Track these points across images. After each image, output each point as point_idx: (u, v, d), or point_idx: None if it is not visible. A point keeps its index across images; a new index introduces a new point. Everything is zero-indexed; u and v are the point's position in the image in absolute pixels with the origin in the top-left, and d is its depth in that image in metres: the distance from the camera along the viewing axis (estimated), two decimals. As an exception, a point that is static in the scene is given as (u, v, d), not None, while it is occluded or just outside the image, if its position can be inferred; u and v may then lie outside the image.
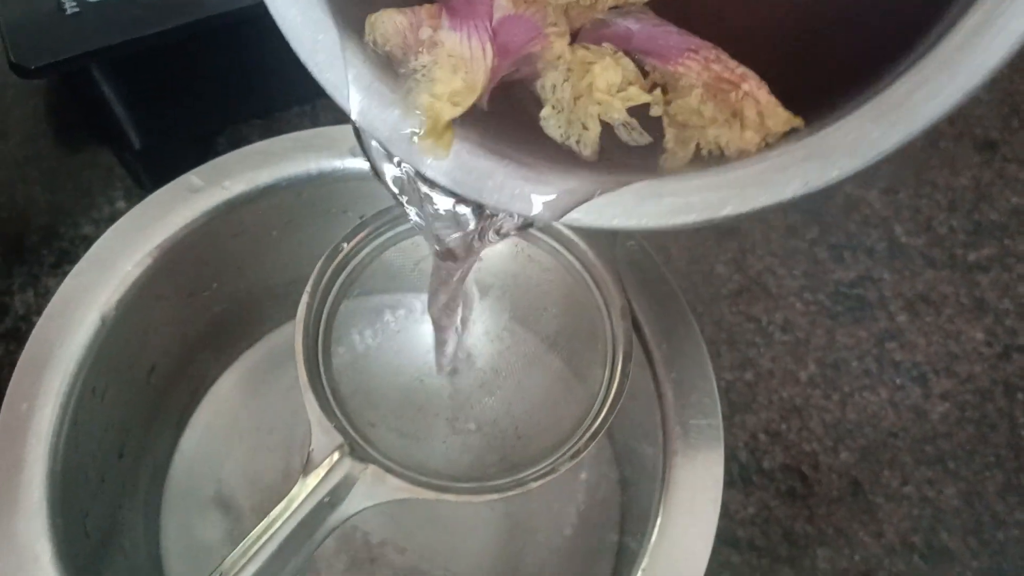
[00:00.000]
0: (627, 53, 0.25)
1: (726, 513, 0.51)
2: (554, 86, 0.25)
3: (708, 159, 0.25)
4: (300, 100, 0.59)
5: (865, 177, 0.54)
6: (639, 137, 0.25)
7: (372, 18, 0.24)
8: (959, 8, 0.23)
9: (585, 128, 0.25)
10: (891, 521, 0.51)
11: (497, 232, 0.32)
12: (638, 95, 0.25)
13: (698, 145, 0.25)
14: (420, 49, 0.25)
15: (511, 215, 0.31)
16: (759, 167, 0.24)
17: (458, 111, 0.24)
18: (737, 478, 0.51)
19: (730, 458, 0.52)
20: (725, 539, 0.50)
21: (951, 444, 0.53)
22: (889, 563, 0.50)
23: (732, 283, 0.57)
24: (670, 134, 0.25)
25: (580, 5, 0.25)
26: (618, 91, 0.25)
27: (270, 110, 0.59)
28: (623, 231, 0.36)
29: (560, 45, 0.25)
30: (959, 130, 0.64)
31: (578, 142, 0.25)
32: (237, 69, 0.54)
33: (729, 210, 0.25)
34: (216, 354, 0.49)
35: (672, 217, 0.24)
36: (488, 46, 0.24)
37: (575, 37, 0.25)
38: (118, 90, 0.49)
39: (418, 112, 0.24)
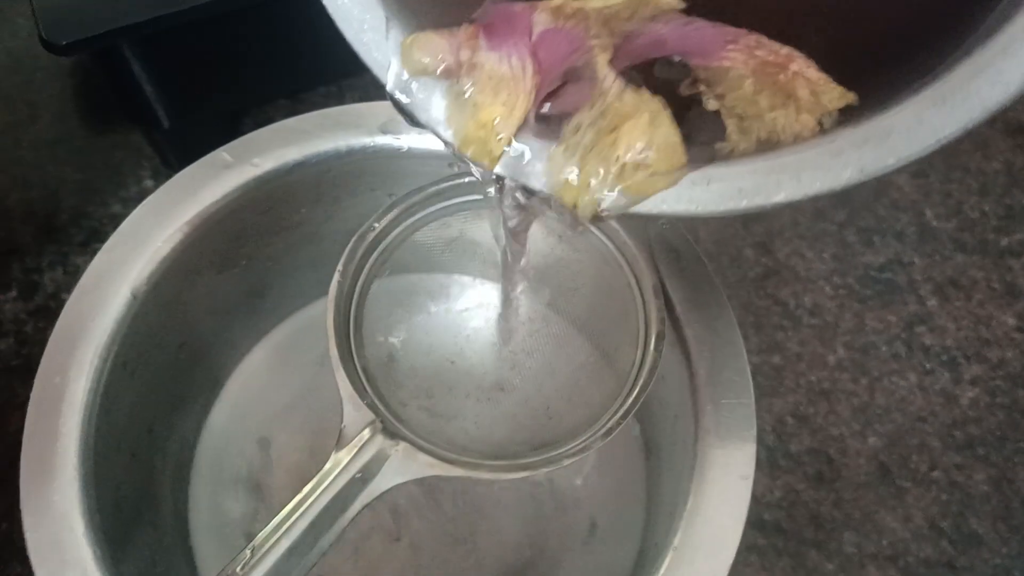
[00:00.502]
0: (669, 59, 0.25)
1: (753, 495, 0.50)
2: (578, 127, 0.24)
3: (765, 146, 0.25)
4: (326, 80, 0.59)
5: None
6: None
7: (408, 41, 0.24)
8: None
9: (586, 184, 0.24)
10: (919, 506, 0.50)
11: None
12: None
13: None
14: (461, 72, 0.24)
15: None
16: (813, 152, 0.23)
17: (502, 145, 0.24)
18: (764, 461, 0.51)
19: (757, 441, 0.51)
20: (751, 522, 0.49)
21: (981, 430, 0.52)
22: (917, 548, 0.49)
23: (759, 266, 0.56)
24: (731, 126, 0.25)
25: (620, 17, 0.25)
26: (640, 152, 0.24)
27: (296, 91, 0.59)
28: (670, 217, 0.36)
29: (603, 61, 0.24)
30: (991, 114, 0.63)
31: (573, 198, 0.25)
32: (265, 48, 0.54)
33: (782, 196, 0.24)
34: (245, 330, 0.50)
35: (723, 203, 0.24)
36: (528, 63, 0.24)
37: (618, 50, 0.25)
38: (148, 68, 0.49)
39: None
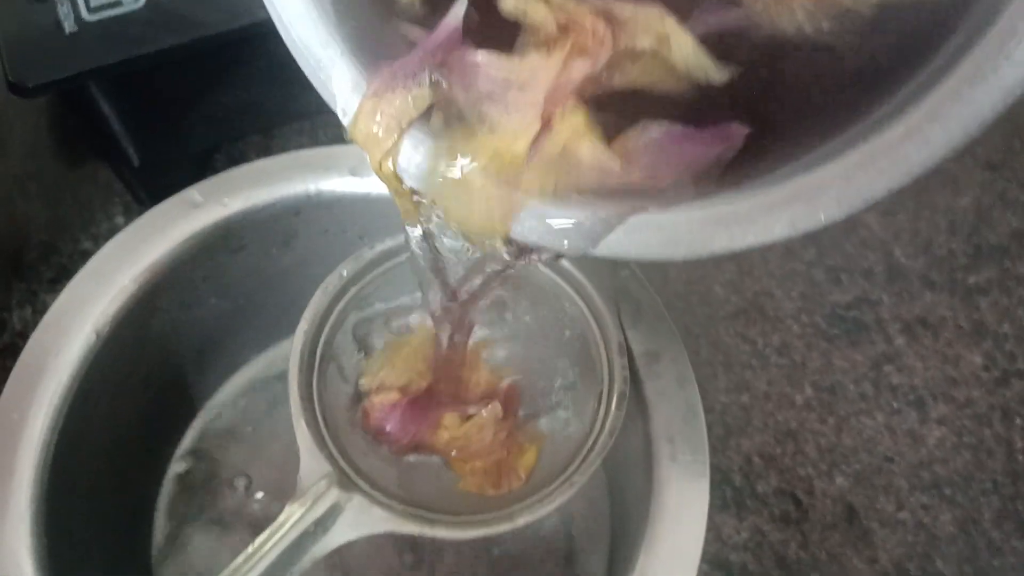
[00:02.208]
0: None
1: (719, 537, 0.50)
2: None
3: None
4: (298, 116, 0.60)
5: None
6: None
7: (352, 117, 0.25)
8: (948, 55, 0.22)
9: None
10: (886, 547, 0.50)
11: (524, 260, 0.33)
12: None
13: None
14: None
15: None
16: (747, 204, 0.24)
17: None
18: (731, 502, 0.51)
19: (724, 481, 0.52)
20: (718, 563, 0.50)
21: (947, 470, 0.53)
22: (883, 590, 0.49)
23: (730, 304, 0.56)
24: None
25: None
26: None
27: (268, 127, 0.59)
28: (619, 260, 0.36)
29: None
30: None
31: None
32: (235, 86, 0.54)
33: (717, 247, 0.25)
34: (212, 369, 0.49)
35: (664, 250, 0.25)
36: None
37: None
38: (116, 107, 0.49)
39: None
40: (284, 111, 0.59)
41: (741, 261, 0.58)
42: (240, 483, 0.48)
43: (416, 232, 0.31)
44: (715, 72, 0.24)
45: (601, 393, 0.39)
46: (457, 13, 0.24)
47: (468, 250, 0.31)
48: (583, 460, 0.38)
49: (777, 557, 0.50)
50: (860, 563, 0.50)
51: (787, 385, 0.54)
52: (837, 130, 0.24)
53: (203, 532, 0.47)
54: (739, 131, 0.24)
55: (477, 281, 0.35)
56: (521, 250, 0.30)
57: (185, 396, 0.49)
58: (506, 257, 0.31)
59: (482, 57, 0.23)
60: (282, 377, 0.39)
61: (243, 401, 0.50)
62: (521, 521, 0.36)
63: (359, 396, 0.42)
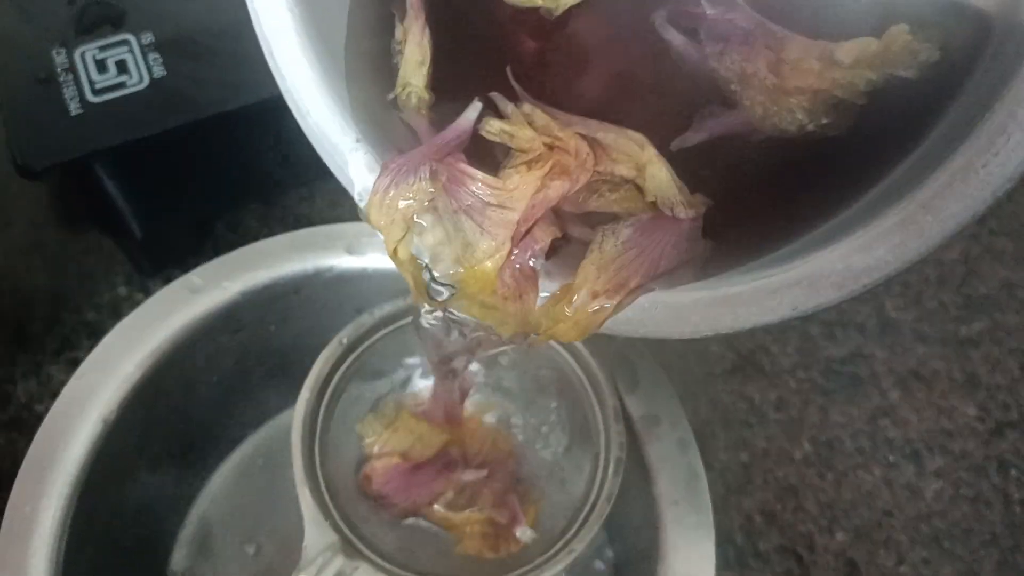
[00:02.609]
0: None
1: (724, 597, 0.51)
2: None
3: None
4: (297, 183, 0.61)
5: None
6: None
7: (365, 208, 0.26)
8: (939, 140, 0.23)
9: None
10: (888, 602, 0.51)
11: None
12: None
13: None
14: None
15: None
16: (751, 287, 0.25)
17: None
18: (733, 562, 0.51)
19: (726, 541, 0.52)
20: (723, 623, 0.50)
21: (946, 522, 0.53)
22: (886, 645, 0.50)
23: (726, 361, 0.57)
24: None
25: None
26: None
27: (267, 194, 0.60)
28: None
29: None
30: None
31: None
32: (235, 159, 0.55)
33: (723, 327, 0.26)
34: (217, 443, 0.50)
35: (672, 329, 0.26)
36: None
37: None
38: (120, 185, 0.50)
39: None
40: (283, 179, 0.60)
41: (736, 318, 0.59)
42: (247, 552, 0.48)
43: (427, 311, 0.32)
44: (683, 210, 0.25)
45: (598, 457, 0.40)
46: (470, 116, 0.25)
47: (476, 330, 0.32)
48: (581, 525, 0.38)
49: (781, 615, 0.50)
50: (863, 619, 0.50)
51: (785, 441, 0.55)
52: (833, 212, 0.25)
53: None
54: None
55: (477, 354, 0.36)
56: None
57: (192, 471, 0.49)
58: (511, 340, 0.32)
59: (470, 171, 0.24)
60: (284, 448, 0.40)
61: (247, 474, 0.50)
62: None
63: (362, 460, 0.43)
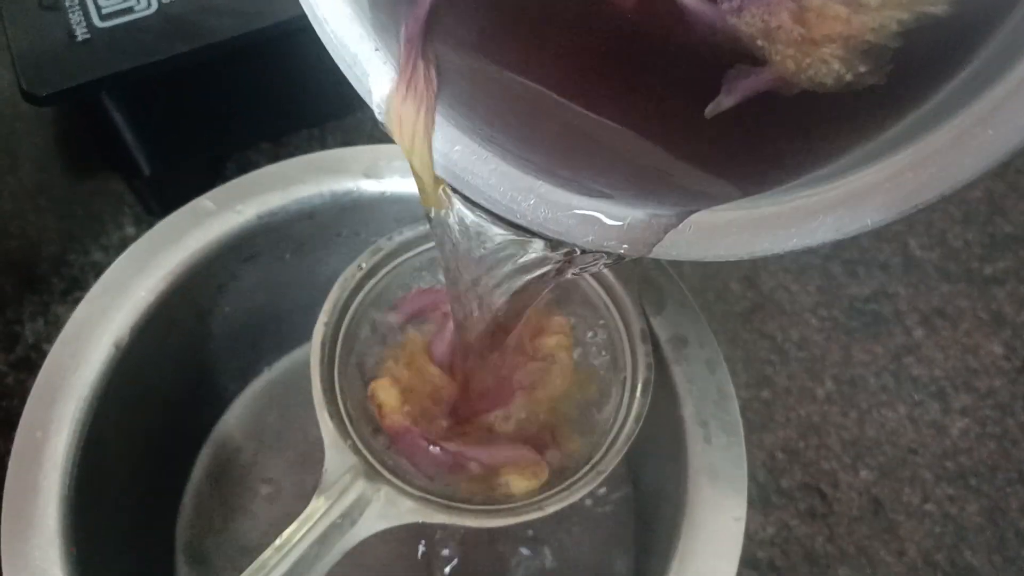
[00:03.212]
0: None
1: (745, 533, 0.50)
2: None
3: None
4: (309, 123, 0.59)
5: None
6: None
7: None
8: (996, 59, 0.22)
9: None
10: (913, 539, 0.50)
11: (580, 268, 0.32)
12: None
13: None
14: None
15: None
16: (790, 207, 0.23)
17: None
18: (755, 498, 0.51)
19: (748, 477, 0.51)
20: (744, 560, 0.49)
21: (972, 460, 0.52)
22: (913, 582, 0.49)
23: (746, 300, 0.56)
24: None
25: None
26: None
27: (278, 134, 0.59)
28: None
29: None
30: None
31: None
32: (246, 93, 0.54)
33: (759, 250, 0.24)
34: (231, 376, 0.49)
35: (703, 250, 0.25)
36: None
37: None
38: (128, 117, 0.49)
39: None
40: (294, 118, 0.58)
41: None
42: (263, 487, 0.47)
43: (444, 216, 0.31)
44: None
45: (625, 380, 0.39)
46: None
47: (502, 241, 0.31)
48: (609, 447, 0.37)
49: (804, 551, 0.49)
50: (888, 556, 0.49)
51: (808, 379, 0.54)
52: (879, 130, 0.24)
53: (228, 533, 0.46)
54: None
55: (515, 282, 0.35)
56: (568, 254, 0.30)
57: (206, 404, 0.48)
58: (550, 254, 0.31)
59: None
60: (303, 381, 0.39)
61: (265, 404, 0.49)
62: (550, 509, 0.35)
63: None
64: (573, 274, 0.31)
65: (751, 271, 0.57)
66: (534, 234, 0.28)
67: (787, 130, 0.26)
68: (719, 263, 0.48)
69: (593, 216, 0.26)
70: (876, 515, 0.50)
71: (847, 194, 0.22)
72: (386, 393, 0.38)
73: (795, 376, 0.54)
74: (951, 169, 0.21)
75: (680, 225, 0.25)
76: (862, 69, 0.24)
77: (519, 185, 0.26)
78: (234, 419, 0.49)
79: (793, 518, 0.50)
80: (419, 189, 0.27)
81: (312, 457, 0.47)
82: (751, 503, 0.51)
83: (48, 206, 0.58)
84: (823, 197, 0.23)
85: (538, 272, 0.32)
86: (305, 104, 0.57)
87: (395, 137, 0.25)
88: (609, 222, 0.26)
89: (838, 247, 0.58)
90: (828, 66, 0.24)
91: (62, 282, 0.55)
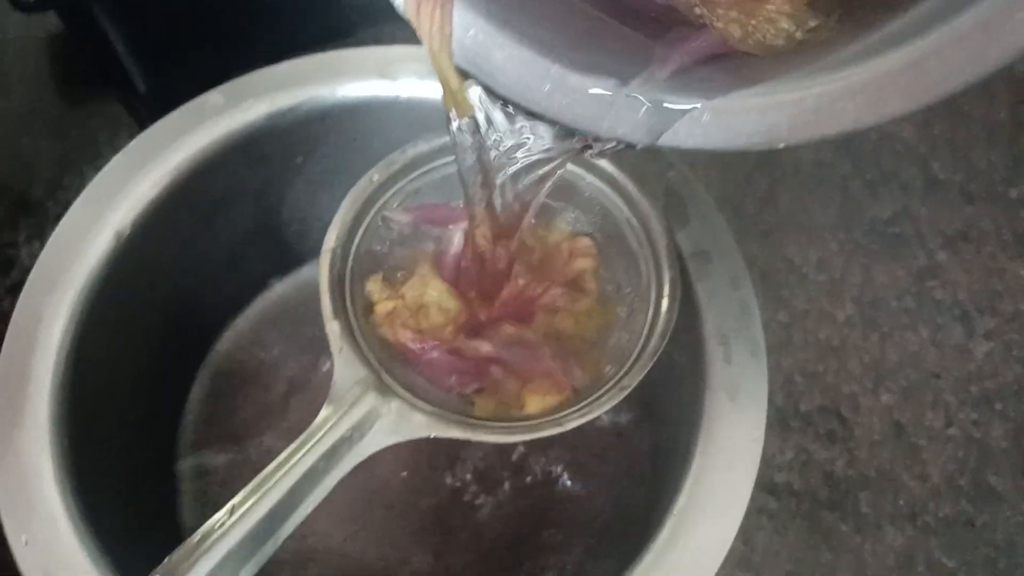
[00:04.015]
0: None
1: (763, 458, 0.48)
2: None
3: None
4: (309, 45, 0.57)
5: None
6: None
7: None
8: None
9: None
10: (936, 463, 0.49)
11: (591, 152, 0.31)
12: None
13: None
14: None
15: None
16: (810, 94, 0.22)
17: None
18: (773, 422, 0.49)
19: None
20: (762, 485, 0.48)
21: (997, 384, 0.51)
22: (935, 506, 0.48)
23: (763, 221, 0.54)
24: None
25: None
26: None
27: (278, 55, 0.57)
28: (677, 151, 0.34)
29: None
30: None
31: None
32: (245, 8, 0.52)
33: (778, 138, 0.23)
34: (235, 287, 0.48)
35: (721, 138, 0.23)
36: None
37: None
38: (120, 28, 0.47)
39: None
40: (295, 39, 0.56)
41: (773, 175, 0.56)
42: (268, 398, 0.46)
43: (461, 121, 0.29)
44: None
45: (649, 300, 0.37)
46: None
47: (520, 133, 0.30)
48: (633, 364, 0.36)
49: (824, 476, 0.48)
50: (910, 480, 0.48)
51: (827, 301, 0.52)
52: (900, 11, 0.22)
53: (230, 442, 0.45)
54: None
55: (528, 178, 0.33)
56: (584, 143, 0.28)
57: (209, 314, 0.47)
58: (562, 143, 0.30)
59: None
60: (311, 299, 0.37)
61: (272, 319, 0.48)
62: (570, 425, 0.34)
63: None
64: (591, 155, 0.30)
65: (768, 191, 0.55)
66: (551, 122, 0.27)
67: None
68: (735, 184, 0.46)
69: (608, 101, 0.24)
70: (898, 439, 0.49)
71: (868, 80, 0.21)
72: (375, 287, 0.37)
73: (814, 298, 0.52)
74: (977, 56, 0.19)
75: (696, 111, 0.24)
76: (812, 23, 0.23)
77: (535, 70, 0.25)
78: (236, 334, 0.47)
79: (812, 442, 0.49)
80: (441, 81, 0.26)
81: (319, 376, 0.46)
82: (768, 427, 0.49)
83: (42, 130, 0.56)
84: (846, 83, 0.22)
85: (555, 161, 0.31)
86: (308, 21, 0.55)
87: (413, 24, 0.24)
88: (622, 108, 0.24)
89: (858, 166, 0.56)
90: (776, 25, 0.23)
91: (57, 206, 0.53)
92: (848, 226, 0.54)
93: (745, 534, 0.47)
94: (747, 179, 0.55)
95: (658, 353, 0.35)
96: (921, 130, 0.58)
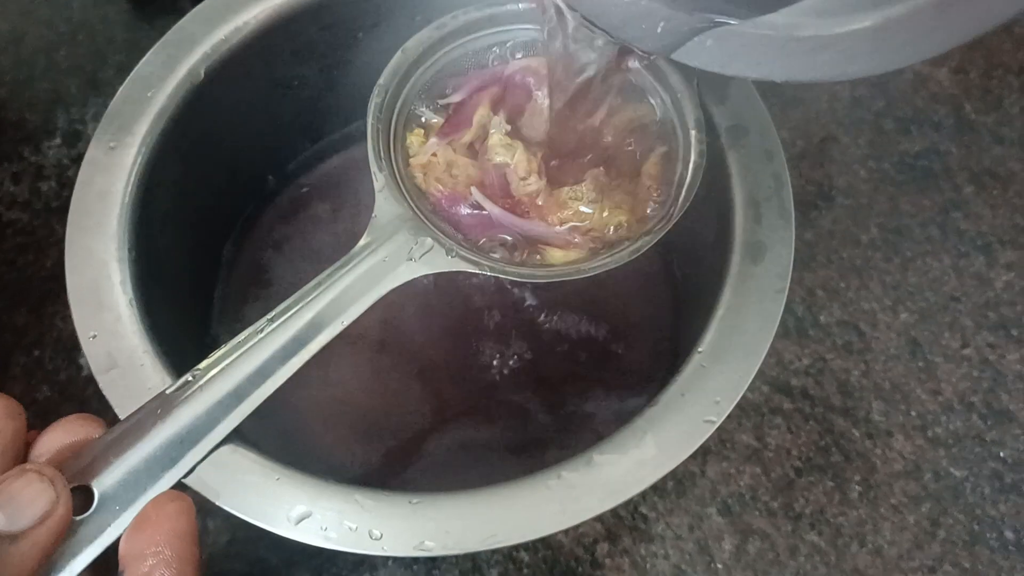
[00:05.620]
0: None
1: (780, 362, 0.50)
2: None
3: None
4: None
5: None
6: None
7: None
8: None
9: None
10: (950, 381, 0.50)
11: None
12: None
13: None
14: None
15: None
16: (831, 35, 0.23)
17: None
18: (792, 329, 0.51)
19: (785, 310, 0.51)
20: (778, 387, 0.49)
21: (1015, 312, 0.52)
22: (946, 420, 0.49)
23: (795, 148, 0.56)
24: None
25: None
26: None
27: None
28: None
29: None
30: (1033, 23, 0.63)
31: None
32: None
33: (795, 76, 0.25)
34: (297, 149, 0.51)
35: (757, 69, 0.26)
36: None
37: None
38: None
39: None
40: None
41: (807, 108, 0.57)
42: (321, 227, 0.50)
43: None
44: None
45: (677, 165, 0.39)
46: None
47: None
48: (660, 221, 0.37)
49: (839, 383, 0.49)
50: (923, 394, 0.49)
51: (852, 224, 0.54)
52: None
53: (277, 273, 0.49)
54: None
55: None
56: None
57: (271, 168, 0.50)
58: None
59: None
60: (365, 167, 0.39)
61: (329, 182, 0.51)
62: (603, 265, 0.36)
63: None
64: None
65: (802, 122, 0.57)
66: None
67: None
68: (770, 113, 0.48)
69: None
70: (913, 355, 0.51)
71: (889, 22, 0.22)
72: (416, 139, 0.39)
73: (840, 220, 0.54)
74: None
75: (706, 33, 0.25)
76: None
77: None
78: (300, 188, 0.51)
79: (829, 351, 0.50)
80: None
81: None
82: (787, 335, 0.51)
83: (116, 17, 0.59)
84: (864, 26, 0.23)
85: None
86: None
87: None
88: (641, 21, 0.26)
89: (891, 105, 0.58)
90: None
91: (125, 88, 0.56)
92: (878, 158, 0.56)
93: (758, 431, 0.48)
94: (782, 110, 0.57)
95: (683, 210, 0.37)
96: (956, 75, 0.59)
